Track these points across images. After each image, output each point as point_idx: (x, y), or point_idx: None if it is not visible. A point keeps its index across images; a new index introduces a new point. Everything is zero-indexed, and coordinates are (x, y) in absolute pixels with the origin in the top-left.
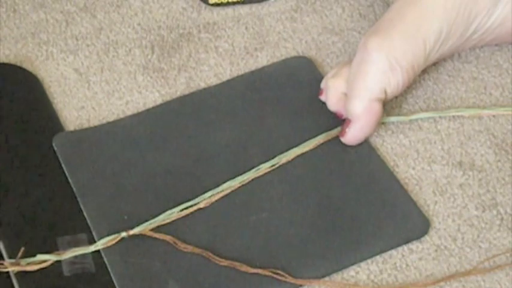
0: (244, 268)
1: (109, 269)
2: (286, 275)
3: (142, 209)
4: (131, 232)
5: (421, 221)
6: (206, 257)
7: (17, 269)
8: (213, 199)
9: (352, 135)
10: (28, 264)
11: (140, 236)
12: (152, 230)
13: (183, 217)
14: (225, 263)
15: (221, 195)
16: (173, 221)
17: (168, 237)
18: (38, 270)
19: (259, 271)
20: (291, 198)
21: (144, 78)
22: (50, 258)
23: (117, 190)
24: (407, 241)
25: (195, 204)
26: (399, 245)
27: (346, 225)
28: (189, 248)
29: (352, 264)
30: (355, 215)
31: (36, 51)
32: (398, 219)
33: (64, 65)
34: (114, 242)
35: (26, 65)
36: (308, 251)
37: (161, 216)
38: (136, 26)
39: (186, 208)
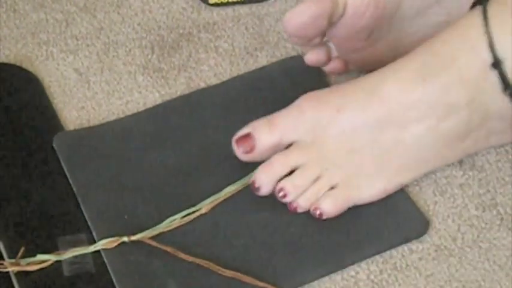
0: (249, 280)
1: (108, 268)
2: None
3: (143, 208)
4: (133, 238)
5: (420, 221)
6: (208, 267)
7: (17, 269)
8: (215, 203)
9: None
10: (28, 264)
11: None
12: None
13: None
14: (228, 273)
15: (222, 199)
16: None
17: (169, 248)
18: (38, 270)
19: (264, 285)
20: None
21: (144, 78)
22: (50, 258)
23: (117, 189)
24: (406, 241)
25: (197, 210)
26: (398, 244)
27: (345, 226)
28: (191, 258)
29: (352, 264)
30: (355, 215)
31: (36, 51)
32: (398, 219)
33: (64, 65)
34: (114, 244)
35: (26, 65)
36: (307, 251)
37: (163, 224)
38: (136, 26)
39: (188, 214)
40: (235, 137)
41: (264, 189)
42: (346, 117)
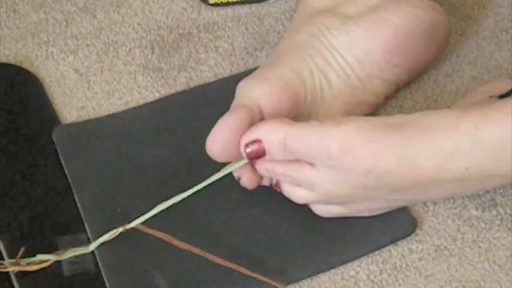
0: (243, 271)
1: (98, 261)
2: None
3: (136, 202)
4: (128, 226)
5: (407, 221)
6: (202, 255)
7: (17, 269)
8: (203, 184)
9: None
10: (28, 264)
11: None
12: (147, 221)
13: (174, 209)
14: (222, 262)
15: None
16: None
17: (166, 237)
18: (38, 270)
19: (258, 276)
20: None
21: (144, 78)
22: (50, 258)
23: (112, 182)
24: (394, 241)
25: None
26: (386, 245)
27: (334, 226)
28: (186, 246)
29: (340, 264)
30: (343, 216)
31: (36, 51)
32: (385, 219)
33: (64, 65)
34: (112, 237)
35: (26, 65)
36: (295, 251)
37: (156, 208)
38: (136, 26)
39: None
40: (245, 138)
41: (259, 172)
42: (374, 180)
